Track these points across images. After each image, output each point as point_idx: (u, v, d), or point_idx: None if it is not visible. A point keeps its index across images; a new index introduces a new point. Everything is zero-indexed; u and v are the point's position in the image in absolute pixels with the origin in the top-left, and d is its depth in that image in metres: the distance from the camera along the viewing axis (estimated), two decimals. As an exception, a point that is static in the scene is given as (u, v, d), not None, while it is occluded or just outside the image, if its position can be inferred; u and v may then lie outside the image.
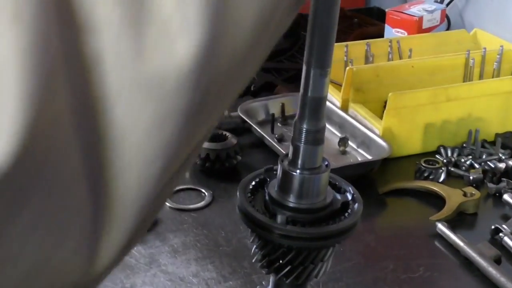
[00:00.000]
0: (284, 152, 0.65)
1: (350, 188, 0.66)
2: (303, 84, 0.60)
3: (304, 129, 0.61)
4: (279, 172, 0.64)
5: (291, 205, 0.63)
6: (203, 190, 1.07)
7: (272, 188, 0.65)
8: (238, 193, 0.65)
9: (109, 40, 0.31)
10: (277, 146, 1.13)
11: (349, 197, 0.66)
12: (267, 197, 0.65)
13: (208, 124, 0.36)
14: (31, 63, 0.29)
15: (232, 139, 1.13)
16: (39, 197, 0.30)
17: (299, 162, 0.62)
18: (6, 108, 0.28)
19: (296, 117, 0.61)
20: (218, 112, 0.37)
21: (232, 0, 0.34)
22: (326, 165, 0.63)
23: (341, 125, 1.22)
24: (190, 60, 0.32)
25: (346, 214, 0.64)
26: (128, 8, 0.31)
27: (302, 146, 0.61)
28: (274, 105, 1.26)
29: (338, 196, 0.66)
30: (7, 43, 0.28)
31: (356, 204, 0.65)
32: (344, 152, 1.16)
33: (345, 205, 0.65)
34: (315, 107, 0.60)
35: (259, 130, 1.18)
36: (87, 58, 0.31)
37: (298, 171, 0.62)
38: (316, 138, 0.61)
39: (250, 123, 1.21)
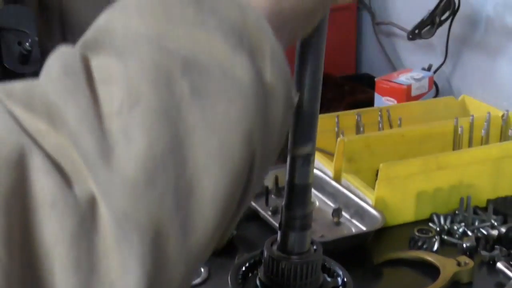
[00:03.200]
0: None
1: (341, 272, 0.68)
2: (288, 172, 0.62)
3: (292, 216, 0.62)
4: (267, 257, 0.65)
5: None
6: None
7: (262, 273, 0.66)
8: (229, 279, 0.66)
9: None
10: (271, 219, 1.14)
11: (339, 281, 0.67)
12: (258, 282, 0.66)
13: None
14: None
15: (227, 214, 1.14)
16: None
17: (288, 248, 0.63)
18: None
19: (283, 203, 0.63)
20: None
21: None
22: (315, 250, 0.65)
23: (335, 195, 1.23)
24: None
25: None
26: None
27: (291, 233, 0.63)
28: (267, 177, 1.28)
29: (328, 279, 0.67)
30: None
31: None
32: (338, 223, 1.18)
33: None
34: (301, 194, 0.62)
35: (253, 203, 1.19)
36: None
37: (288, 256, 0.64)
38: (304, 223, 0.63)
39: (245, 196, 1.22)
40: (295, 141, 0.60)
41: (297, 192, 0.62)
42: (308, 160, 0.61)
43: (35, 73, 0.58)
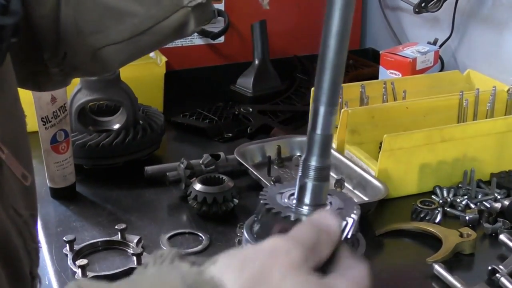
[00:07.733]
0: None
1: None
2: (311, 122, 0.61)
3: (313, 166, 0.62)
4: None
5: None
6: (200, 234, 1.08)
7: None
8: (244, 231, 0.65)
9: None
10: (273, 188, 1.14)
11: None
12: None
13: None
14: None
15: (228, 182, 1.14)
16: None
17: (306, 199, 0.63)
18: None
19: (304, 154, 0.62)
20: None
21: None
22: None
23: (337, 166, 1.23)
24: None
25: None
26: None
27: (309, 183, 0.62)
28: (270, 147, 1.27)
29: None
30: None
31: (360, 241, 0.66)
32: (340, 194, 1.17)
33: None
34: (323, 145, 0.61)
35: (255, 172, 1.19)
36: None
37: (305, 207, 0.63)
38: (324, 175, 0.62)
39: (247, 166, 1.22)
40: (319, 92, 0.59)
41: (320, 142, 0.61)
42: (332, 110, 0.60)
43: (16, 25, 0.57)
